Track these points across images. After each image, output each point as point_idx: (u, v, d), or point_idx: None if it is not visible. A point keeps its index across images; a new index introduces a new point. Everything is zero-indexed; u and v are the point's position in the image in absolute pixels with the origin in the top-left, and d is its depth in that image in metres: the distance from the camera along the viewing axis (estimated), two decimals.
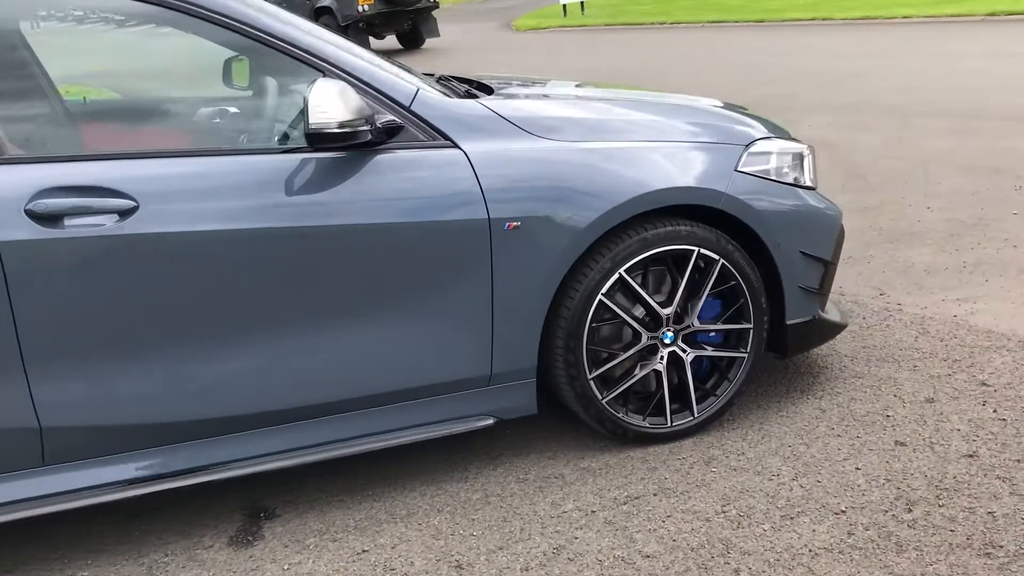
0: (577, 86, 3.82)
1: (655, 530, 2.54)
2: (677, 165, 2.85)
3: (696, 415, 3.01)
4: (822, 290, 3.13)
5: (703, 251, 2.87)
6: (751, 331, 3.01)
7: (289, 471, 2.72)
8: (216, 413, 2.52)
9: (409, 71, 2.97)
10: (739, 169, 2.92)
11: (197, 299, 2.43)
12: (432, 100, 2.66)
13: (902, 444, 2.88)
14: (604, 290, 2.79)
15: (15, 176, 2.29)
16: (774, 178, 3.01)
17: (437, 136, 2.63)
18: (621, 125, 2.89)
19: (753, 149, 3.00)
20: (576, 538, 2.53)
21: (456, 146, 2.64)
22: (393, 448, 2.75)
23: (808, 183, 3.16)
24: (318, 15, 17.71)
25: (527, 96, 3.24)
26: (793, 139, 3.24)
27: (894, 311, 3.96)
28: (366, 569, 2.45)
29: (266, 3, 2.62)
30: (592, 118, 2.89)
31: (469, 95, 2.95)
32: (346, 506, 2.76)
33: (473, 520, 2.64)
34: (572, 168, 2.73)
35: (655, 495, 2.71)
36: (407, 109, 2.61)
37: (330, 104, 2.33)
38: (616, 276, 2.79)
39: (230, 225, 2.41)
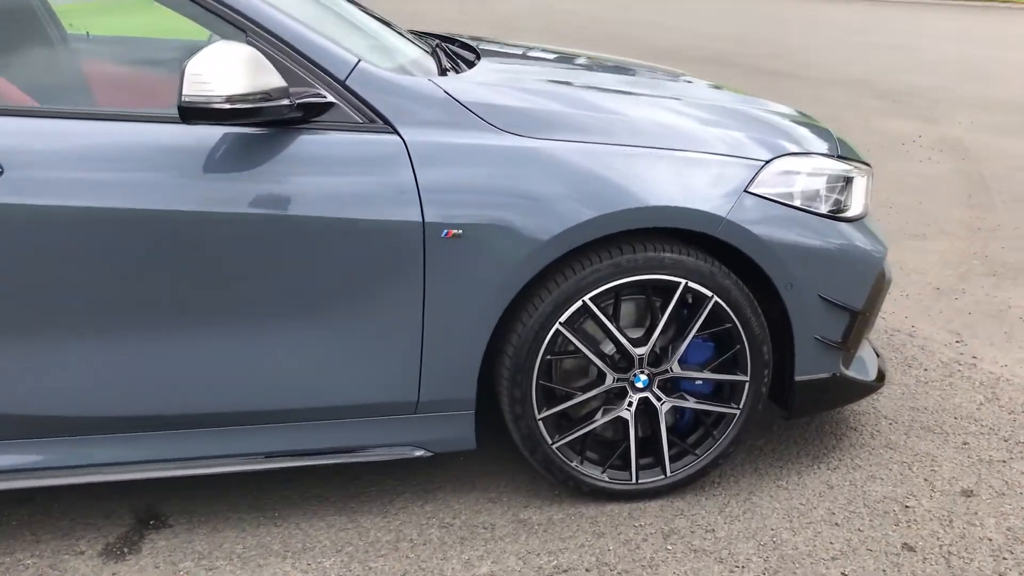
0: (592, 68, 3.29)
1: None
2: (667, 178, 2.35)
3: (668, 474, 2.54)
4: (846, 344, 2.58)
5: (692, 284, 2.38)
6: (747, 384, 2.50)
7: (205, 477, 2.41)
8: (82, 411, 2.23)
9: (399, 34, 2.59)
10: (751, 190, 2.40)
11: (59, 284, 2.12)
12: (374, 76, 2.25)
13: (911, 549, 2.35)
14: (564, 318, 2.34)
15: None
16: (798, 204, 2.47)
17: (376, 119, 2.22)
18: (609, 123, 2.40)
19: (776, 167, 2.46)
20: None
21: (395, 132, 2.22)
22: (322, 467, 2.41)
23: (853, 212, 2.60)
24: None
25: (512, 77, 2.78)
26: (850, 159, 2.68)
27: (965, 366, 3.35)
28: None
29: None
30: (573, 112, 2.40)
31: (443, 72, 2.54)
32: (243, 527, 2.44)
33: (369, 569, 2.28)
34: (534, 172, 2.27)
35: (587, 571, 2.27)
36: (342, 84, 2.21)
37: (217, 73, 1.95)
38: (579, 304, 2.34)
39: (105, 203, 2.08)
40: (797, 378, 2.56)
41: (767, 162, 2.45)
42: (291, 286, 2.20)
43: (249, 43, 2.12)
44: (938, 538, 2.39)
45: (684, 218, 2.34)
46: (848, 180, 2.62)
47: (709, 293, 2.40)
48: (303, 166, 2.17)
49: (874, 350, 2.94)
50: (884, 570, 2.27)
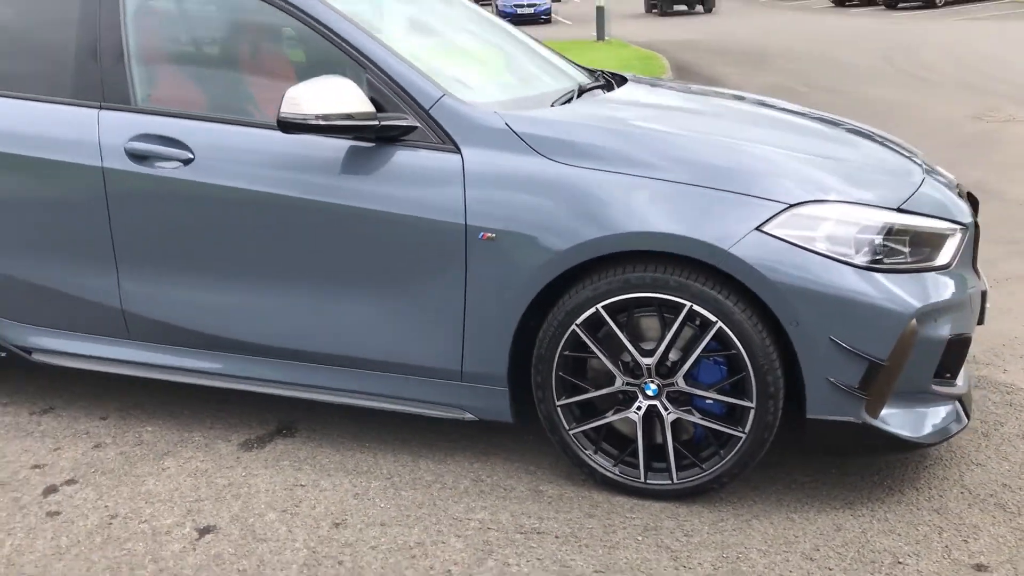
0: (696, 111, 3.53)
1: (510, 564, 2.52)
2: (678, 209, 2.62)
3: (675, 481, 2.78)
4: (868, 392, 2.61)
5: (696, 308, 2.63)
6: (752, 411, 2.66)
7: (329, 407, 3.16)
8: (238, 336, 3.09)
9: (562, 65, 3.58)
10: (764, 229, 2.58)
11: (230, 240, 2.99)
12: (451, 107, 2.83)
13: None
14: (579, 320, 2.73)
15: (113, 120, 3.05)
16: (819, 248, 2.58)
17: (447, 140, 2.81)
18: (647, 157, 2.73)
19: (799, 211, 2.61)
20: (442, 542, 2.62)
21: (458, 151, 2.79)
22: (413, 416, 3.03)
23: (919, 263, 2.65)
24: None
25: (592, 114, 3.14)
26: (923, 214, 2.71)
27: None
28: (286, 496, 2.84)
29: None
30: (612, 145, 2.76)
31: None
32: (344, 449, 3.14)
33: (400, 495, 2.86)
34: (561, 193, 2.70)
35: (557, 537, 2.64)
36: (427, 112, 2.83)
37: (310, 98, 2.67)
38: (593, 310, 2.71)
39: (250, 186, 2.92)
40: (809, 416, 2.66)
41: (790, 205, 2.61)
42: (370, 264, 2.87)
43: (366, 79, 2.82)
44: None
45: (687, 246, 2.60)
46: (904, 232, 2.65)
47: (714, 318, 2.62)
48: (392, 173, 2.83)
49: (961, 411, 2.85)
50: None
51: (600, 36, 21.27)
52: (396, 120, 2.82)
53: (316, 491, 2.89)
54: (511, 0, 31.73)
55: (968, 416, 2.88)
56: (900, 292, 2.59)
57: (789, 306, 2.57)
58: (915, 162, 3.15)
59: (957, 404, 2.87)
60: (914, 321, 2.59)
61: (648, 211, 2.64)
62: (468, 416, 2.96)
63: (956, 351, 2.80)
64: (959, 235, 2.80)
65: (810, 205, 2.62)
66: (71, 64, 3.16)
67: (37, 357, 3.37)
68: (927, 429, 2.75)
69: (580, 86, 3.45)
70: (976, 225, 2.99)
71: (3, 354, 3.39)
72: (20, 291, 3.29)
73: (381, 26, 3.32)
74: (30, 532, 2.69)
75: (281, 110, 2.70)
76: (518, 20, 31.04)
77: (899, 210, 2.71)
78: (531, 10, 31.36)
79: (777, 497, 2.83)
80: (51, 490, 2.92)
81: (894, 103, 11.04)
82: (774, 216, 2.60)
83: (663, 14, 33.17)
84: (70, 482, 2.96)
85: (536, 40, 4.18)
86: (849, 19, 26.33)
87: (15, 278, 3.28)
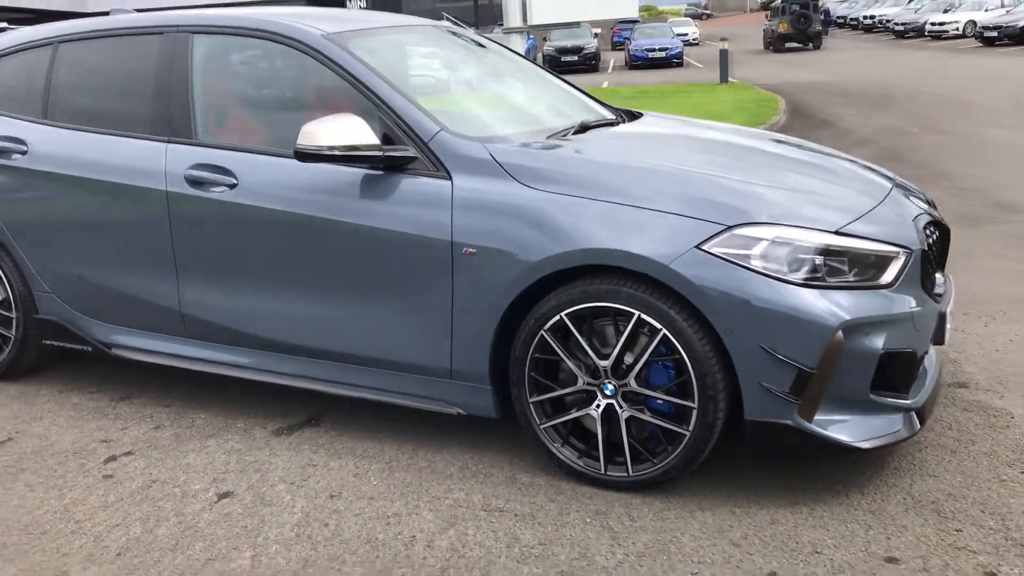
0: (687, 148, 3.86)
1: (468, 534, 2.89)
2: (628, 229, 2.97)
3: (630, 473, 3.10)
4: (800, 397, 2.87)
5: (644, 316, 2.96)
6: (694, 411, 2.96)
7: (352, 401, 3.63)
8: (270, 335, 3.60)
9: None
10: (703, 247, 2.89)
11: (264, 253, 3.52)
12: (446, 140, 3.27)
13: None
14: (547, 327, 3.10)
15: (177, 152, 3.64)
16: (754, 265, 2.88)
17: (441, 168, 3.26)
18: (604, 183, 3.08)
19: (739, 231, 2.91)
20: (416, 515, 3.02)
21: (450, 178, 3.23)
22: (425, 412, 3.45)
23: (854, 282, 2.92)
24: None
25: (583, 147, 3.49)
26: (860, 236, 2.98)
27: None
28: (297, 472, 3.31)
29: (361, 53, 3.49)
30: (587, 174, 3.12)
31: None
32: (358, 438, 3.59)
33: (391, 476, 3.28)
34: (532, 215, 3.09)
35: (516, 516, 3.00)
36: (425, 144, 3.28)
37: (323, 132, 3.17)
38: (557, 318, 3.07)
39: (281, 206, 3.44)
40: (747, 417, 2.94)
41: (728, 227, 2.92)
42: (375, 275, 3.33)
43: (379, 116, 3.30)
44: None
45: (633, 261, 2.94)
46: (843, 253, 2.92)
47: (659, 326, 2.94)
48: (397, 196, 3.29)
49: (914, 421, 3.05)
50: None
51: (723, 79, 21.41)
52: (399, 151, 3.28)
53: (324, 470, 3.34)
54: (642, 44, 32.15)
55: (920, 425, 3.07)
56: (827, 306, 2.85)
57: (723, 316, 2.87)
58: (881, 189, 3.39)
59: (911, 415, 3.08)
60: (840, 333, 2.84)
61: (601, 230, 3.00)
62: (457, 411, 3.36)
63: (898, 365, 3.02)
64: (903, 258, 3.03)
65: (748, 227, 2.92)
66: (149, 105, 3.78)
67: (116, 352, 3.99)
68: (864, 435, 2.97)
69: (583, 123, 3.83)
70: (930, 250, 3.20)
71: (89, 348, 4.03)
72: (102, 295, 3.92)
73: (412, 70, 3.82)
74: (87, 489, 3.25)
75: (298, 142, 3.21)
76: (650, 64, 31.47)
77: (837, 233, 2.97)
78: (663, 54, 31.64)
79: (728, 494, 3.10)
80: (111, 459, 3.49)
81: (1006, 145, 10.84)
82: (714, 236, 2.91)
83: (776, 50, 36.24)
84: (127, 454, 3.53)
85: (568, 83, 4.59)
86: (993, 59, 25.47)
87: (98, 284, 3.91)
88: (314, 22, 3.66)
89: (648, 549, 2.79)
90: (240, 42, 3.76)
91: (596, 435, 3.13)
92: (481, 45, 4.52)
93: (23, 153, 4.00)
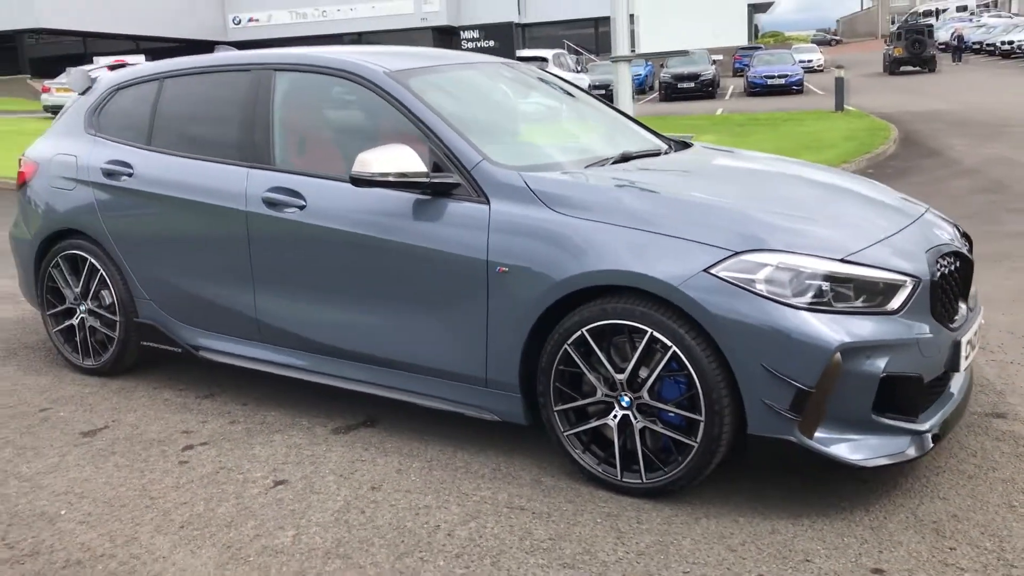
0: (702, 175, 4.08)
1: (487, 527, 3.18)
2: (643, 252, 3.21)
3: (644, 481, 3.32)
4: (801, 415, 3.05)
5: (656, 334, 3.19)
6: (702, 423, 3.17)
7: (410, 406, 3.96)
8: (329, 341, 3.98)
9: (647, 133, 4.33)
10: (711, 271, 3.11)
11: (328, 267, 3.91)
12: (486, 168, 3.59)
13: None
14: (570, 341, 3.37)
15: (257, 176, 4.07)
16: (758, 289, 3.08)
17: (481, 194, 3.58)
18: (629, 210, 3.33)
19: (746, 257, 3.12)
20: (444, 508, 3.33)
21: (488, 203, 3.54)
22: (470, 418, 3.73)
23: (861, 308, 3.10)
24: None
25: (610, 175, 3.73)
26: (866, 265, 3.16)
27: None
28: (346, 466, 3.67)
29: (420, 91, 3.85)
30: (609, 201, 3.39)
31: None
32: (407, 439, 3.93)
33: (430, 474, 3.60)
34: (558, 237, 3.37)
35: (534, 514, 3.26)
36: (468, 172, 3.61)
37: (376, 160, 3.53)
38: (579, 333, 3.34)
39: (341, 226, 3.82)
40: (750, 432, 3.13)
41: (736, 252, 3.13)
42: (420, 288, 3.67)
43: (429, 147, 3.65)
44: None
45: (645, 282, 3.18)
46: (848, 279, 3.10)
47: (670, 343, 3.18)
48: (442, 219, 3.62)
49: (922, 444, 3.18)
50: None
51: (839, 107, 21.12)
52: (443, 178, 3.62)
53: (371, 465, 3.69)
54: (761, 71, 31.90)
55: (930, 448, 3.20)
56: (826, 329, 3.03)
57: (727, 335, 3.08)
58: (903, 220, 3.54)
59: (922, 438, 3.21)
60: (838, 355, 3.01)
61: (620, 253, 3.25)
62: (492, 417, 3.66)
63: (903, 388, 3.16)
64: (910, 286, 3.18)
65: (754, 253, 3.13)
66: (235, 134, 4.24)
67: (202, 354, 4.45)
68: (865, 454, 3.12)
69: (624, 153, 4.09)
70: (944, 281, 3.33)
71: (179, 350, 4.50)
72: (191, 302, 4.40)
73: (470, 102, 4.18)
74: (164, 472, 3.68)
75: (353, 169, 3.58)
76: (768, 91, 31.18)
77: (843, 261, 3.14)
78: (782, 81, 31.32)
79: (736, 504, 3.29)
80: (188, 448, 3.92)
81: None
82: (721, 260, 3.13)
83: (891, 73, 38.95)
84: (203, 444, 3.96)
85: (622, 113, 4.86)
86: None
87: (188, 292, 4.39)
88: (381, 60, 4.05)
89: (649, 549, 3.02)
90: (315, 78, 4.18)
91: (613, 443, 3.37)
92: (543, 80, 4.84)
93: (129, 175, 4.53)
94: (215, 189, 4.21)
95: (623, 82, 16.86)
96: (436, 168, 3.67)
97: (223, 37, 50.54)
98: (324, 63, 4.11)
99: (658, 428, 3.28)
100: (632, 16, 16.61)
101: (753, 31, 57.98)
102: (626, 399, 3.32)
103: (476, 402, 3.68)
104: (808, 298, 3.08)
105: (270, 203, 4.03)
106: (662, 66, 34.20)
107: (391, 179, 3.56)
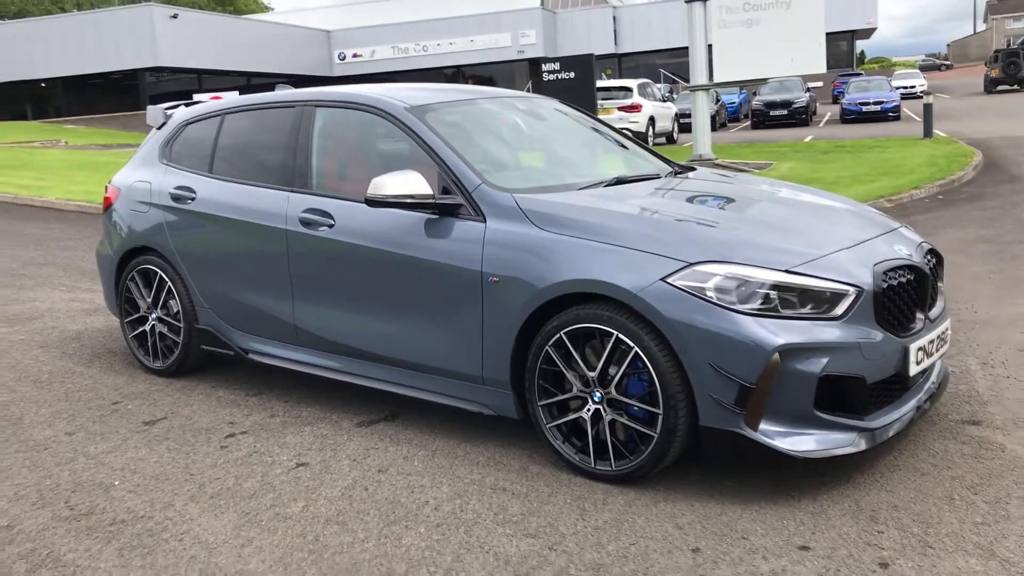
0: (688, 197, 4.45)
1: (469, 503, 3.62)
2: (610, 264, 3.62)
3: (613, 468, 3.71)
4: (745, 409, 3.40)
5: (621, 336, 3.60)
6: (660, 416, 3.56)
7: (430, 404, 4.46)
8: (353, 344, 4.51)
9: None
10: (667, 280, 3.51)
11: (351, 279, 4.44)
12: (484, 190, 4.07)
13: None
14: (550, 343, 3.80)
15: (295, 199, 4.64)
16: (708, 296, 3.45)
17: (479, 213, 4.05)
18: (602, 227, 3.74)
19: (698, 268, 3.51)
20: (436, 487, 3.78)
21: (484, 221, 4.02)
22: (479, 415, 4.20)
23: (807, 313, 3.45)
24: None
25: (579, 196, 4.13)
26: (811, 275, 3.50)
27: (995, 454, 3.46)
28: (362, 452, 4.16)
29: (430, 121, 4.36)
30: (586, 219, 3.81)
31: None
32: (420, 433, 4.41)
33: (432, 460, 4.06)
34: (541, 251, 3.81)
35: (513, 494, 3.69)
36: (469, 194, 4.10)
37: (387, 184, 4.05)
38: (558, 336, 3.77)
39: (363, 242, 4.35)
40: (701, 423, 3.50)
41: (689, 264, 3.52)
42: (427, 297, 4.16)
43: (438, 172, 4.16)
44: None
45: (610, 290, 3.59)
46: (792, 288, 3.45)
47: (632, 344, 3.58)
48: (447, 235, 4.11)
49: (865, 440, 3.50)
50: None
51: (927, 134, 20.86)
52: (447, 199, 4.11)
53: (382, 452, 4.18)
54: (855, 97, 31.52)
55: (874, 444, 3.52)
56: (766, 332, 3.38)
57: (680, 337, 3.46)
58: (861, 235, 3.86)
59: (872, 434, 3.53)
60: (777, 355, 3.36)
61: (591, 265, 3.67)
62: (488, 411, 4.11)
63: (845, 388, 3.48)
64: (853, 296, 3.51)
65: (706, 264, 3.51)
66: (281, 162, 4.84)
67: (251, 356, 5.03)
68: (806, 447, 3.45)
69: (618, 177, 4.52)
70: (892, 292, 3.64)
71: (231, 352, 5.10)
72: (242, 311, 4.99)
73: (480, 133, 4.68)
74: (205, 455, 4.25)
75: (368, 192, 4.11)
76: (863, 117, 30.80)
77: (788, 272, 3.50)
78: (877, 107, 30.88)
79: (696, 492, 3.65)
80: (230, 436, 4.49)
81: None
82: (677, 271, 3.52)
83: (988, 92, 43.10)
84: (243, 433, 4.52)
85: (635, 141, 5.28)
86: None
87: (239, 300, 4.99)
88: (405, 96, 4.59)
89: (605, 524, 3.41)
90: (348, 113, 4.74)
91: (588, 434, 3.78)
92: (558, 111, 5.31)
93: (193, 199, 5.18)
94: (262, 210, 4.80)
95: (700, 110, 17.26)
96: (444, 191, 4.16)
97: (329, 73, 52.68)
98: (355, 99, 4.67)
99: (624, 420, 3.68)
100: (710, 47, 17.01)
101: (855, 57, 57.07)
102: (598, 395, 3.72)
103: (475, 398, 4.14)
104: (756, 305, 3.44)
105: (305, 223, 4.59)
106: (754, 94, 34.15)
107: (401, 200, 4.07)
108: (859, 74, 43.91)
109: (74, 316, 7.20)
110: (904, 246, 3.97)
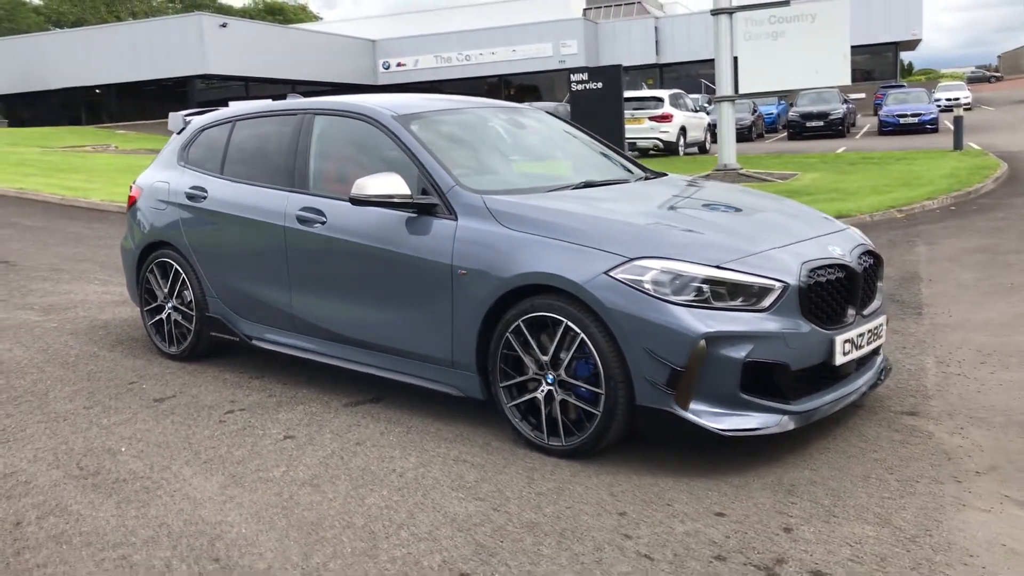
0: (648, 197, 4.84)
1: (431, 470, 4.03)
2: (562, 259, 4.01)
3: (564, 443, 4.10)
4: (675, 390, 3.77)
5: (569, 323, 3.99)
6: (603, 396, 3.94)
7: (413, 388, 4.88)
8: (342, 331, 4.95)
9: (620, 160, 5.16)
10: (609, 273, 3.89)
11: (340, 271, 4.88)
12: (457, 191, 4.48)
13: (627, 537, 3.57)
14: (510, 330, 4.20)
15: (294, 198, 5.10)
16: (645, 288, 3.83)
17: (452, 212, 4.47)
18: (557, 226, 4.14)
19: (637, 263, 3.88)
20: (405, 458, 4.20)
21: (456, 219, 4.44)
22: (455, 398, 4.62)
23: (738, 305, 3.82)
24: None
25: (543, 198, 4.52)
26: (740, 271, 3.86)
27: (917, 436, 3.78)
28: (344, 428, 4.59)
29: (416, 129, 4.79)
30: (543, 219, 4.20)
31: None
32: (400, 413, 4.83)
33: (406, 437, 4.48)
34: (503, 246, 4.22)
35: (472, 465, 4.09)
36: (444, 194, 4.52)
37: (369, 185, 4.48)
38: (516, 323, 4.17)
39: (350, 238, 4.79)
40: (638, 403, 3.87)
41: (629, 259, 3.90)
42: (404, 288, 4.58)
43: (417, 174, 4.58)
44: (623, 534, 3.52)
45: (559, 281, 3.99)
46: (721, 283, 3.82)
47: (579, 331, 3.96)
48: (424, 232, 4.53)
49: (789, 421, 3.85)
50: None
51: (957, 146, 20.91)
52: (424, 199, 4.53)
53: (363, 429, 4.60)
54: (893, 109, 31.47)
55: (797, 426, 3.87)
56: (694, 321, 3.75)
57: (619, 325, 3.84)
58: (796, 235, 4.21)
59: (797, 416, 3.89)
60: (703, 341, 3.73)
61: (544, 259, 4.07)
62: (457, 392, 4.51)
63: (771, 374, 3.84)
64: (778, 290, 3.86)
65: (644, 259, 3.89)
66: (282, 165, 5.30)
67: (254, 342, 5.50)
68: (730, 426, 3.81)
69: (587, 180, 4.91)
70: (816, 287, 3.98)
71: (237, 339, 5.57)
72: (245, 300, 5.46)
73: (460, 140, 5.10)
74: (204, 428, 4.71)
75: (351, 192, 4.55)
76: (900, 129, 30.75)
77: (718, 267, 3.86)
78: (915, 120, 30.81)
79: (636, 467, 4.02)
80: (229, 412, 4.94)
81: None
82: (618, 265, 3.90)
83: None
84: (242, 410, 4.97)
85: (613, 148, 5.67)
86: None
87: (243, 291, 5.46)
88: (393, 105, 5.03)
89: (548, 491, 3.79)
90: (343, 120, 5.19)
91: (541, 412, 4.17)
92: (540, 120, 5.72)
93: (204, 197, 5.67)
94: (264, 208, 5.27)
95: (726, 120, 17.54)
96: (423, 192, 4.58)
97: (373, 81, 53.61)
98: (349, 107, 5.12)
99: (573, 400, 4.06)
100: (736, 59, 17.28)
101: (900, 68, 56.67)
102: (550, 377, 4.11)
103: (447, 381, 4.55)
104: (689, 297, 3.81)
105: (302, 220, 5.04)
106: (791, 104, 34.22)
107: (382, 199, 4.51)
108: (901, 86, 43.68)
109: (104, 307, 7.75)
110: (839, 247, 4.31)
